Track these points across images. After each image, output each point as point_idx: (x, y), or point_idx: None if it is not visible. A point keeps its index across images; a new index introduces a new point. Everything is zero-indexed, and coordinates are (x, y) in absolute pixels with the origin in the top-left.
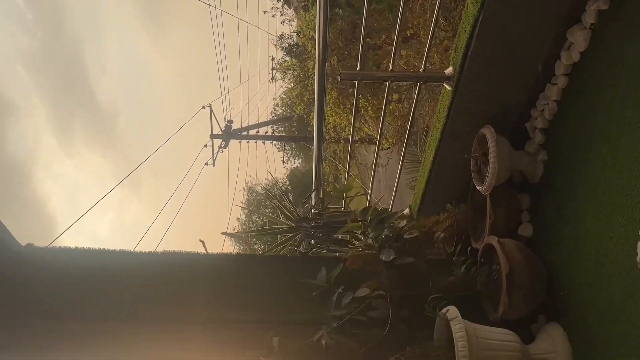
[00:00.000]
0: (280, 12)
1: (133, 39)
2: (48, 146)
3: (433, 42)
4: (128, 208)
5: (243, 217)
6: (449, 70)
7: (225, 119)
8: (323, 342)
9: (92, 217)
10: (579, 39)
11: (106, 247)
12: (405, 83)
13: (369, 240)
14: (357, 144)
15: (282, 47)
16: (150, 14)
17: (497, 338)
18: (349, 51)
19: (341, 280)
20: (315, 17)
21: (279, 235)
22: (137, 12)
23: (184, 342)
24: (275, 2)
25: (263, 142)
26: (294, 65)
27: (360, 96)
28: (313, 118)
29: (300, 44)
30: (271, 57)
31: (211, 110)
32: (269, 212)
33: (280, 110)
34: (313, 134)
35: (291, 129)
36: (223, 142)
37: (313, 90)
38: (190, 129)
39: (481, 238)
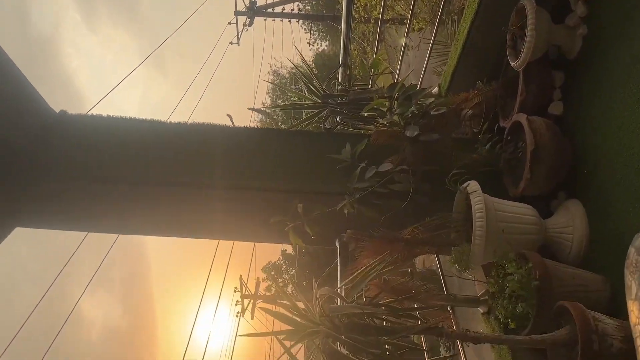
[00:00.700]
0: None
1: None
2: (72, 21)
3: None
4: (154, 87)
5: (268, 101)
6: None
7: None
8: (345, 211)
9: (119, 93)
10: None
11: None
12: None
13: (395, 117)
14: (387, 25)
15: None
16: None
17: (515, 211)
18: None
19: (365, 155)
20: None
21: (304, 112)
22: None
23: (212, 205)
24: None
25: (289, 21)
26: None
27: None
28: None
29: None
30: None
31: None
32: (296, 89)
33: None
34: (342, 12)
35: (319, 7)
36: (248, 20)
37: None
38: (214, 5)
39: (510, 116)
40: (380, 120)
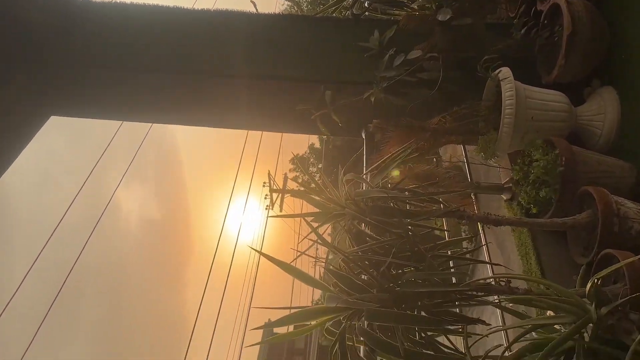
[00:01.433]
0: None
1: None
2: None
3: None
4: None
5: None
6: None
7: None
8: (372, 99)
9: None
10: None
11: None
12: None
13: (426, 0)
14: None
15: None
16: None
17: (546, 99)
18: None
19: (394, 42)
20: None
21: None
22: None
23: (239, 94)
24: None
25: None
26: None
27: None
28: None
29: None
30: None
31: None
32: None
33: None
34: None
35: None
36: None
37: None
38: None
39: None
40: (411, 4)
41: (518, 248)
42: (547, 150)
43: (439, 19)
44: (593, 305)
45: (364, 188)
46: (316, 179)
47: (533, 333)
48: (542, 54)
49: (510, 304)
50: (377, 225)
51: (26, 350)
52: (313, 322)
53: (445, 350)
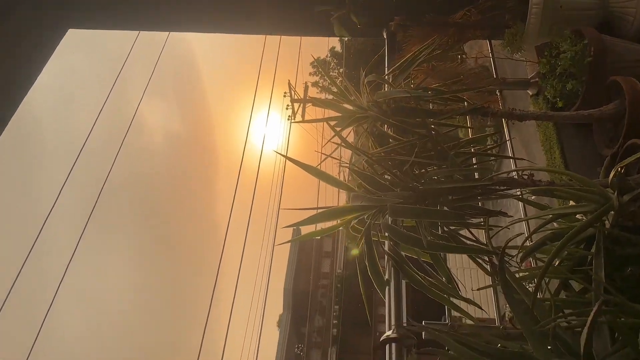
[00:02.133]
0: None
1: None
2: None
3: None
4: None
5: None
6: None
7: None
8: None
9: None
10: None
11: None
12: None
13: None
14: None
15: None
16: None
17: None
18: None
19: None
20: None
21: None
22: None
23: None
24: None
25: None
26: None
27: None
28: None
29: None
30: None
31: None
32: None
33: None
34: None
35: None
36: None
37: None
38: None
39: None
40: None
41: (542, 143)
42: (576, 41)
43: None
44: (615, 193)
45: (386, 90)
46: (337, 82)
47: (554, 223)
48: None
49: (533, 197)
50: (400, 126)
51: (69, 263)
52: (339, 221)
53: (467, 242)
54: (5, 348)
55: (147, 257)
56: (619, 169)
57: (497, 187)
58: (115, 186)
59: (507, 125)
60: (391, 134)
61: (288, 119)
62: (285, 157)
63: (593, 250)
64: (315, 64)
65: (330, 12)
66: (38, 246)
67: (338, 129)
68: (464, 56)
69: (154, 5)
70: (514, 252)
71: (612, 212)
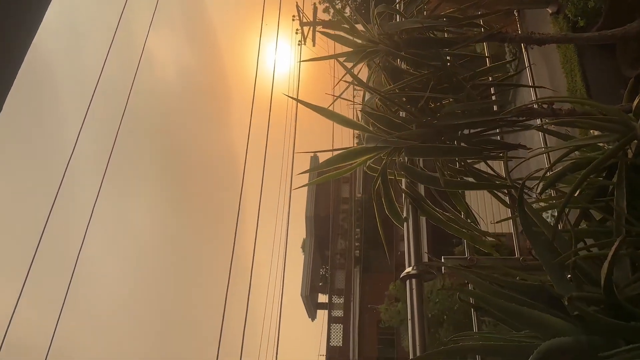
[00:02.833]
0: None
1: None
2: None
3: None
4: None
5: None
6: None
7: None
8: None
9: None
10: None
11: None
12: None
13: None
14: None
15: None
16: None
17: None
18: None
19: None
20: None
21: None
22: None
23: None
24: None
25: None
26: None
27: None
28: None
29: None
30: None
31: None
32: None
33: None
34: None
35: None
36: None
37: None
38: None
39: None
40: None
41: (563, 65)
42: None
43: None
44: (639, 122)
45: (397, 20)
46: (346, 13)
47: (576, 152)
48: None
49: (553, 126)
50: (413, 59)
51: (95, 202)
52: (356, 162)
53: (486, 175)
54: (43, 293)
55: (169, 193)
56: None
57: (516, 119)
58: (131, 122)
59: (526, 51)
60: (405, 67)
61: (298, 45)
62: (297, 100)
63: (614, 179)
64: None
65: None
66: (63, 190)
67: (349, 65)
68: None
69: None
70: (533, 183)
71: (635, 141)
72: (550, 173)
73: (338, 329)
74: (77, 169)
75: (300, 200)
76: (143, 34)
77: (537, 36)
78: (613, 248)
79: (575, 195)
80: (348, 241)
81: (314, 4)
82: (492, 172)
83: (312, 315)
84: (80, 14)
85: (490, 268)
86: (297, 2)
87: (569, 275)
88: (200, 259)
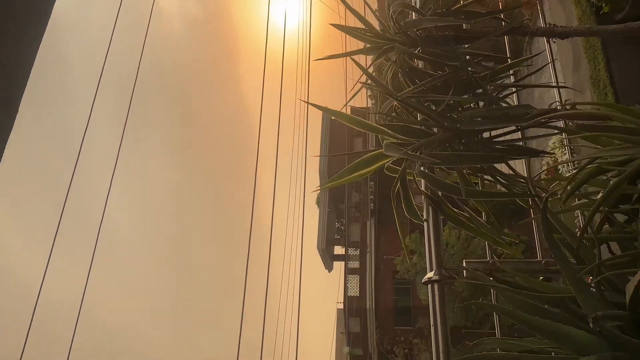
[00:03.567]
0: None
1: None
2: None
3: None
4: None
5: None
6: None
7: None
8: None
9: None
10: None
11: None
12: None
13: None
14: None
15: None
16: None
17: None
18: None
19: None
20: None
21: None
22: None
23: None
24: None
25: None
26: None
27: None
28: None
29: None
30: None
31: None
32: None
33: None
34: None
35: None
36: None
37: None
38: None
39: None
40: None
41: (585, 51)
42: None
43: None
44: None
45: (413, 17)
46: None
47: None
48: None
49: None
50: (431, 59)
51: (116, 162)
52: (372, 167)
53: (505, 175)
54: (72, 253)
55: (185, 150)
56: None
57: (538, 120)
58: (146, 78)
59: (549, 44)
60: (421, 68)
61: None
62: (307, 102)
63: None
64: None
65: None
66: (84, 150)
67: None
68: None
69: None
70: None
71: None
72: (572, 174)
73: (355, 279)
74: (96, 128)
75: (314, 159)
76: None
77: (560, 29)
78: (638, 275)
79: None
80: (363, 194)
81: None
82: (512, 172)
83: (329, 267)
84: None
85: (512, 272)
86: None
87: (592, 283)
88: (220, 213)
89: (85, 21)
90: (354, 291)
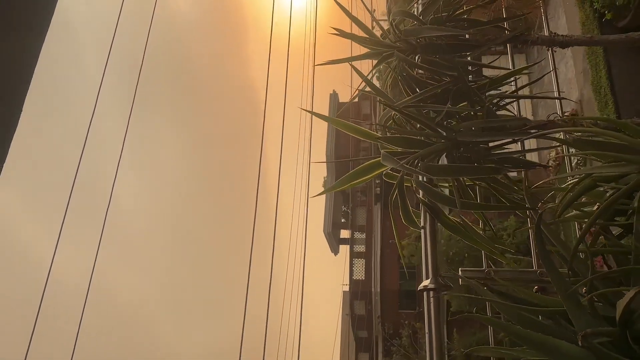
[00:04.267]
0: None
1: None
2: None
3: None
4: None
5: None
6: None
7: None
8: None
9: None
10: None
11: None
12: None
13: None
14: None
15: None
16: None
17: None
18: None
19: None
20: None
21: None
22: None
23: None
24: None
25: None
26: None
27: None
28: None
29: None
30: None
31: None
32: None
33: None
34: None
35: None
36: None
37: None
38: None
39: None
40: None
41: (588, 56)
42: None
43: None
44: None
45: (414, 25)
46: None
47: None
48: None
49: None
50: (430, 69)
51: (124, 140)
52: (371, 175)
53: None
54: (80, 235)
55: (192, 131)
56: None
57: (537, 131)
58: (152, 63)
59: (550, 50)
60: (419, 77)
61: None
62: (314, 113)
63: (635, 204)
64: None
65: None
66: (92, 133)
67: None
68: None
69: None
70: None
71: None
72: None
73: (360, 263)
74: (104, 109)
75: (320, 140)
76: None
77: (561, 38)
78: (632, 292)
79: (594, 211)
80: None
81: None
82: (507, 182)
83: (335, 250)
84: None
85: (508, 282)
86: None
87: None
88: (227, 195)
89: (93, 3)
90: (360, 275)
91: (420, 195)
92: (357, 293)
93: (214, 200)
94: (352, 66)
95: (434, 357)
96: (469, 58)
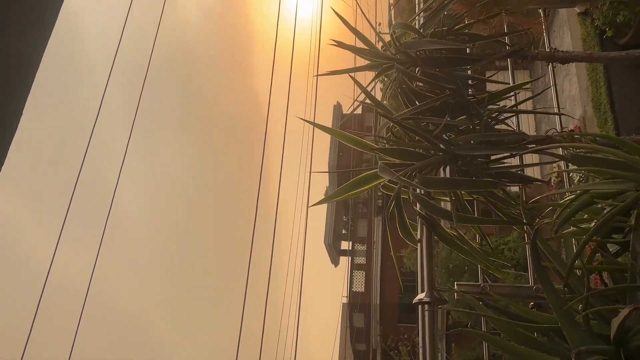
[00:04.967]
0: None
1: None
2: None
3: None
4: None
5: None
6: None
7: None
8: None
9: None
10: None
11: None
12: None
13: None
14: None
15: None
16: None
17: None
18: None
19: None
20: None
21: None
22: None
23: None
24: None
25: None
26: None
27: None
28: None
29: None
30: None
31: None
32: None
33: None
34: None
35: None
36: None
37: None
38: None
39: None
40: None
41: (588, 72)
42: None
43: None
44: None
45: (414, 38)
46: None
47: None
48: None
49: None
50: (429, 82)
51: (127, 146)
52: (369, 186)
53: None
54: (81, 239)
55: (195, 138)
56: None
57: (534, 146)
58: (159, 66)
59: (550, 64)
60: (419, 90)
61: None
62: (313, 123)
63: (631, 221)
64: None
65: None
66: (95, 137)
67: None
68: None
69: None
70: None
71: None
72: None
73: (360, 275)
74: (108, 114)
75: (323, 150)
76: None
77: (560, 54)
78: (626, 310)
79: (591, 227)
80: (370, 190)
81: None
82: (505, 197)
83: (335, 262)
84: None
85: (503, 297)
86: None
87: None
88: (228, 203)
89: (99, 8)
90: (359, 287)
91: (418, 208)
92: (356, 305)
93: (215, 208)
94: (352, 77)
95: None
96: (469, 72)
